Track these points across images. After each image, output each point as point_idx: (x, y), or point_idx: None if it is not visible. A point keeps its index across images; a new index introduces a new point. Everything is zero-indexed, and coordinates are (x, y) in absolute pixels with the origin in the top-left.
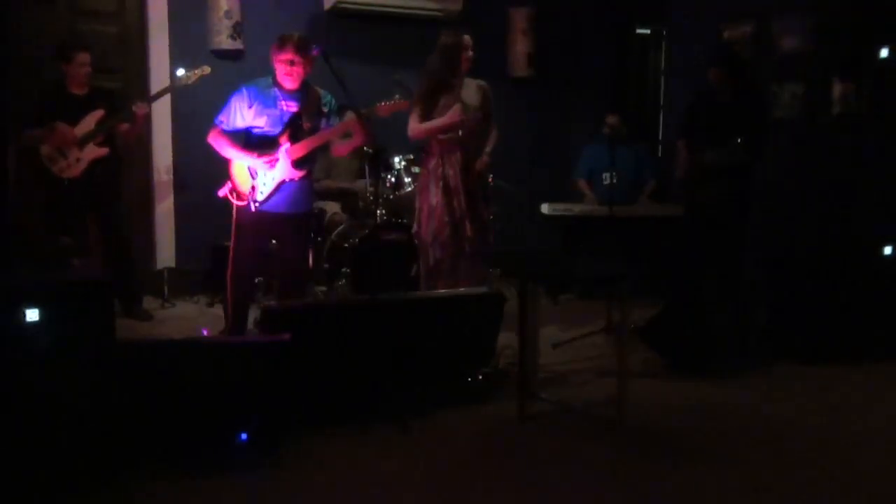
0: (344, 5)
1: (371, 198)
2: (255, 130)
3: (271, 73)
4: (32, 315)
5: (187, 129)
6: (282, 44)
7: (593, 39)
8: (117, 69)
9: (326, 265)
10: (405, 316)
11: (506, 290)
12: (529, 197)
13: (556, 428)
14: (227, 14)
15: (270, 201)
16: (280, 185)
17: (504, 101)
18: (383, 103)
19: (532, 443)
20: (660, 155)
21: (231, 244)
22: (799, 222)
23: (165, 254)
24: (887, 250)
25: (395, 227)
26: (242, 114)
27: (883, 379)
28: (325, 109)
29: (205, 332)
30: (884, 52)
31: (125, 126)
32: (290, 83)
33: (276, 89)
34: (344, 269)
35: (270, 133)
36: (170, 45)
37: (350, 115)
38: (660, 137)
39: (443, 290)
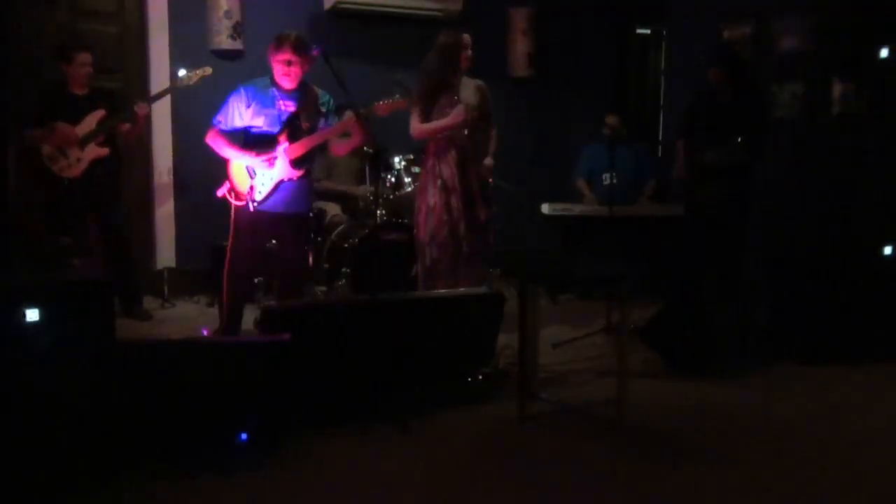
0: (344, 5)
1: (371, 198)
2: (254, 130)
3: (269, 72)
4: (32, 315)
5: (187, 130)
6: (279, 44)
7: (593, 39)
8: (117, 69)
9: (326, 265)
10: (405, 316)
11: (506, 290)
12: (529, 197)
13: (556, 428)
14: (227, 14)
15: (269, 201)
16: (278, 185)
17: (504, 101)
18: (382, 102)
19: (532, 443)
20: (660, 155)
21: (229, 244)
22: (799, 222)
23: (165, 254)
24: (887, 250)
25: (395, 227)
26: (240, 113)
27: (883, 379)
28: (324, 109)
29: (205, 332)
30: (884, 52)
31: (126, 126)
32: (287, 83)
33: (274, 89)
34: (344, 269)
35: (269, 133)
36: (170, 46)
37: (349, 115)
38: (660, 137)
39: (443, 290)
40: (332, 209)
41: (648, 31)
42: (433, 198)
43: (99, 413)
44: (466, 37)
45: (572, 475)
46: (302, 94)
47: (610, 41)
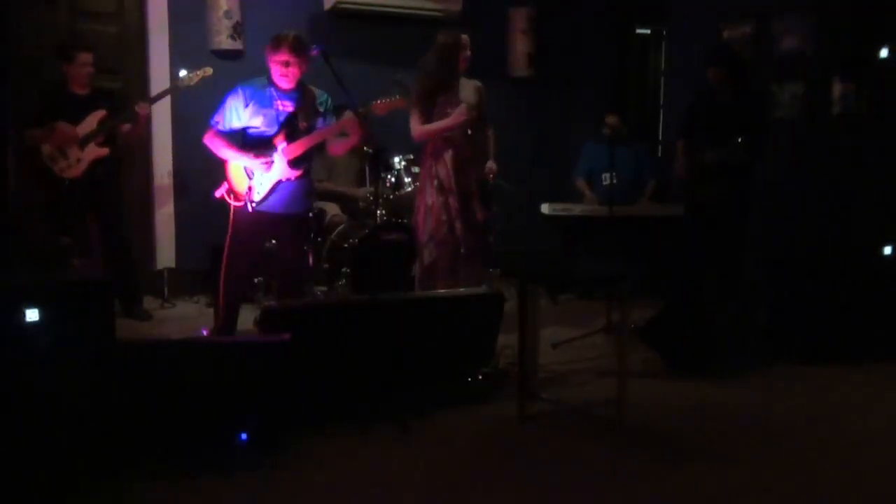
0: (344, 5)
1: (371, 198)
2: (252, 130)
3: (267, 73)
4: (32, 315)
5: (187, 130)
6: (277, 44)
7: (593, 39)
8: (117, 69)
9: (326, 265)
10: (405, 316)
11: (506, 290)
12: (529, 197)
13: (556, 428)
14: (227, 14)
15: (267, 201)
16: (277, 185)
17: (504, 101)
18: (380, 101)
19: (532, 443)
20: (660, 155)
21: (226, 243)
22: (799, 222)
23: (165, 254)
24: (887, 250)
25: (395, 227)
26: (238, 114)
27: (883, 379)
28: (321, 109)
29: (205, 332)
30: (884, 52)
31: (127, 126)
32: (285, 83)
33: (271, 89)
34: (344, 269)
35: (266, 133)
36: (170, 46)
37: (348, 115)
38: (660, 137)
39: (443, 290)
40: (332, 209)
41: (648, 31)
42: (431, 198)
43: (99, 413)
44: (465, 37)
45: (572, 475)
46: (300, 94)
47: (610, 41)
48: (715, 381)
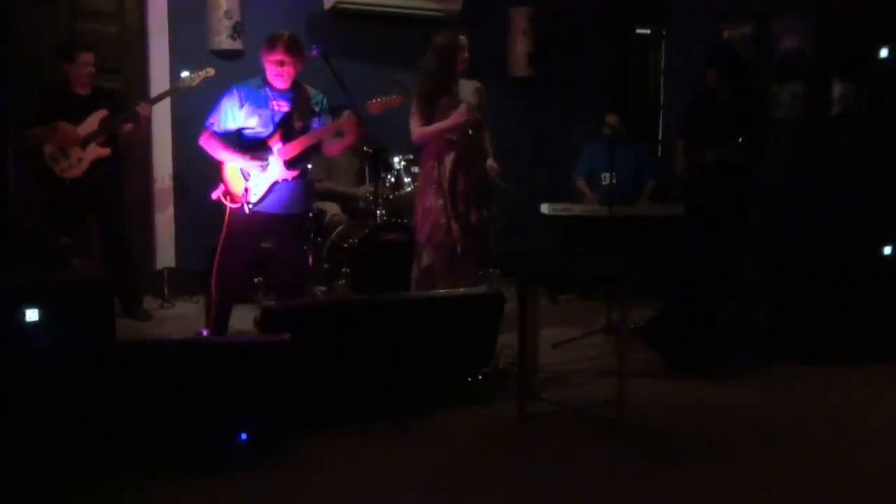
0: (344, 5)
1: (371, 198)
2: (247, 131)
3: (262, 73)
4: (32, 315)
5: (188, 131)
6: (272, 44)
7: (593, 39)
8: (117, 69)
9: (326, 265)
10: (405, 316)
11: (506, 290)
12: (529, 197)
13: (556, 428)
14: (227, 14)
15: (264, 202)
16: (273, 186)
17: (504, 101)
18: (375, 100)
19: (532, 443)
20: (660, 155)
21: (220, 244)
22: (799, 222)
23: (165, 254)
24: (887, 250)
25: (395, 227)
26: (234, 114)
27: (883, 379)
28: (317, 108)
29: (205, 332)
30: (884, 52)
31: (129, 126)
32: (280, 83)
33: (267, 89)
34: (344, 269)
35: (262, 134)
36: (170, 46)
37: (347, 114)
38: (660, 137)
39: (443, 290)
40: (332, 209)
41: (648, 31)
42: (430, 199)
43: (99, 413)
44: (463, 38)
45: (572, 475)
46: (295, 93)
47: (610, 41)
48: (715, 381)
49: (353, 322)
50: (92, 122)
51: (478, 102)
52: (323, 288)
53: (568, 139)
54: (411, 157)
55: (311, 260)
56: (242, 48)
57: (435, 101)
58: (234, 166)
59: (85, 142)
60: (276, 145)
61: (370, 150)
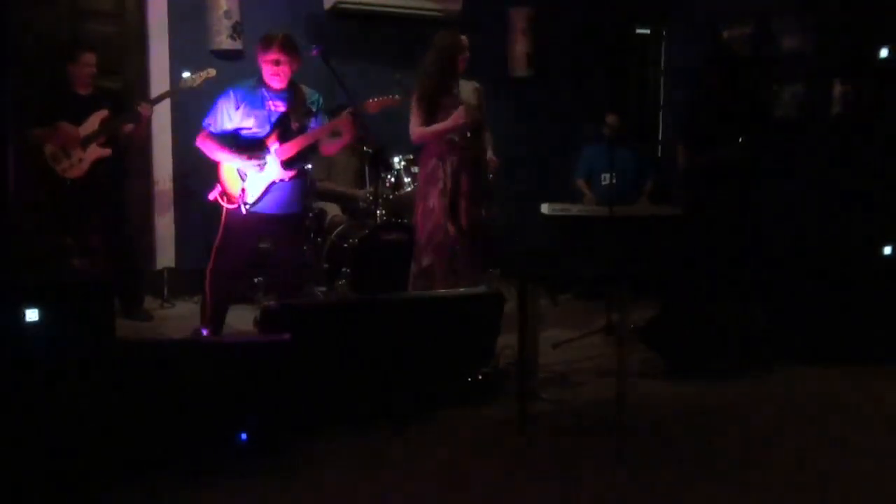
0: (344, 5)
1: (371, 198)
2: (244, 132)
3: (257, 73)
4: (32, 315)
5: (188, 131)
6: (267, 44)
7: (593, 39)
8: (117, 70)
9: (326, 265)
10: (405, 316)
11: (506, 290)
12: (529, 197)
13: (556, 428)
14: (227, 14)
15: (261, 203)
16: (270, 187)
17: (504, 101)
18: (372, 100)
19: (532, 443)
20: (660, 155)
21: (215, 244)
22: (799, 222)
23: (165, 254)
24: (887, 250)
25: (395, 227)
26: (230, 115)
27: (883, 379)
28: (313, 108)
29: (205, 332)
30: (884, 52)
31: (130, 127)
32: (276, 83)
33: (263, 89)
34: (344, 269)
35: (259, 134)
36: (169, 46)
37: (343, 114)
38: (660, 137)
39: (443, 290)
40: (332, 209)
41: (648, 31)
42: (433, 199)
43: (99, 413)
44: (464, 38)
45: (572, 475)
46: (291, 93)
47: (610, 41)
48: (715, 381)
49: (353, 322)
50: (93, 123)
51: (477, 102)
52: (323, 288)
53: (568, 139)
54: (411, 157)
55: (311, 260)
56: (242, 48)
57: (435, 101)
58: (230, 167)
59: (86, 142)
60: (273, 145)
61: (370, 150)
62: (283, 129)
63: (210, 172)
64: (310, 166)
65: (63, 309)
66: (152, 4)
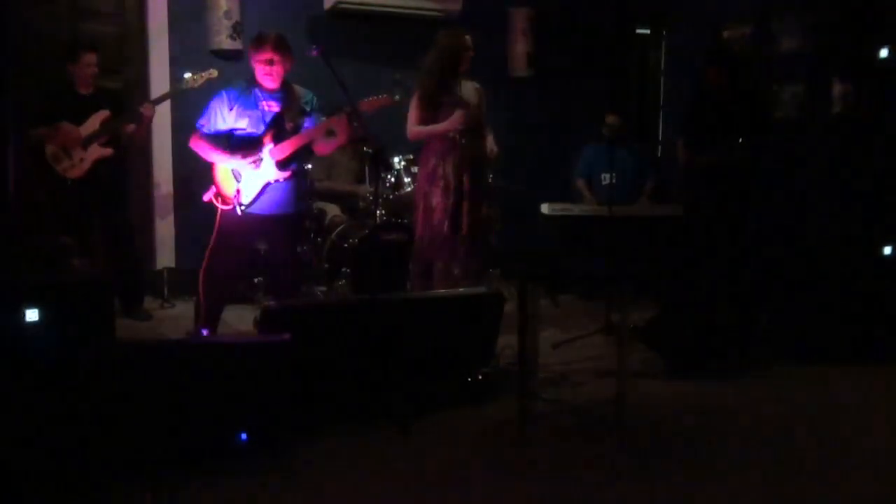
0: (344, 5)
1: (371, 198)
2: (238, 132)
3: (249, 74)
4: (32, 315)
5: (188, 131)
6: (260, 44)
7: (593, 39)
8: (117, 69)
9: (326, 265)
10: (405, 316)
11: (506, 290)
12: (529, 197)
13: (556, 428)
14: (227, 14)
15: (256, 204)
16: (266, 187)
17: (504, 101)
18: (367, 100)
19: (532, 443)
20: (660, 155)
21: (210, 245)
22: (799, 222)
23: (165, 254)
24: (887, 250)
25: (395, 227)
26: (223, 116)
27: (883, 379)
28: (307, 108)
29: (205, 332)
30: (884, 52)
31: (132, 127)
32: (270, 83)
33: (256, 90)
34: (344, 269)
35: (253, 134)
36: (170, 46)
37: (338, 113)
38: (660, 137)
39: (443, 290)
40: (332, 209)
41: (648, 31)
42: (436, 198)
43: (99, 413)
44: (468, 38)
45: (572, 475)
46: (285, 93)
47: (610, 41)
48: (715, 381)
49: (353, 322)
50: (94, 123)
51: (478, 102)
52: (323, 288)
53: (568, 139)
54: (411, 156)
55: (310, 260)
56: (242, 48)
57: (436, 100)
58: (225, 168)
59: (87, 142)
60: (268, 146)
61: (370, 150)
62: (278, 129)
63: (210, 172)
64: (309, 166)
65: (63, 309)
66: (152, 4)
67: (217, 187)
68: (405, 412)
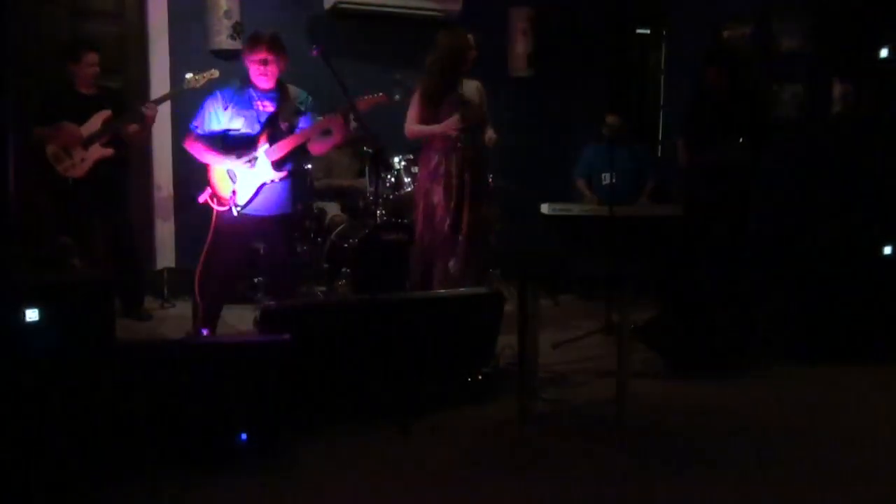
0: (344, 5)
1: (371, 198)
2: (233, 133)
3: (243, 74)
4: (32, 315)
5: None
6: (254, 43)
7: (593, 39)
8: (117, 69)
9: (326, 265)
10: (405, 316)
11: (506, 290)
12: (529, 197)
13: (557, 428)
14: (227, 14)
15: (252, 205)
16: (261, 188)
17: (504, 101)
18: (362, 98)
19: (532, 443)
20: (660, 155)
21: (206, 246)
22: (799, 222)
23: (165, 254)
24: (887, 250)
25: (395, 227)
26: (218, 117)
27: (883, 379)
28: (302, 108)
29: (205, 332)
30: (884, 52)
31: (134, 127)
32: (264, 82)
33: (250, 90)
34: (344, 269)
35: (248, 134)
36: (170, 46)
37: (333, 112)
38: (660, 137)
39: (443, 290)
40: (332, 209)
41: (648, 31)
42: (436, 196)
43: (99, 413)
44: (471, 37)
45: (572, 475)
46: (279, 93)
47: (610, 41)
48: (715, 381)
49: (353, 322)
50: (95, 122)
51: (480, 101)
52: (323, 288)
53: (568, 139)
54: (411, 156)
55: (307, 259)
56: (242, 48)
57: (438, 99)
58: (220, 169)
59: (88, 142)
60: (263, 146)
61: (370, 150)
62: (273, 129)
63: (205, 173)
64: (309, 166)
65: (63, 309)
66: (152, 4)
67: (212, 188)
68: (405, 412)
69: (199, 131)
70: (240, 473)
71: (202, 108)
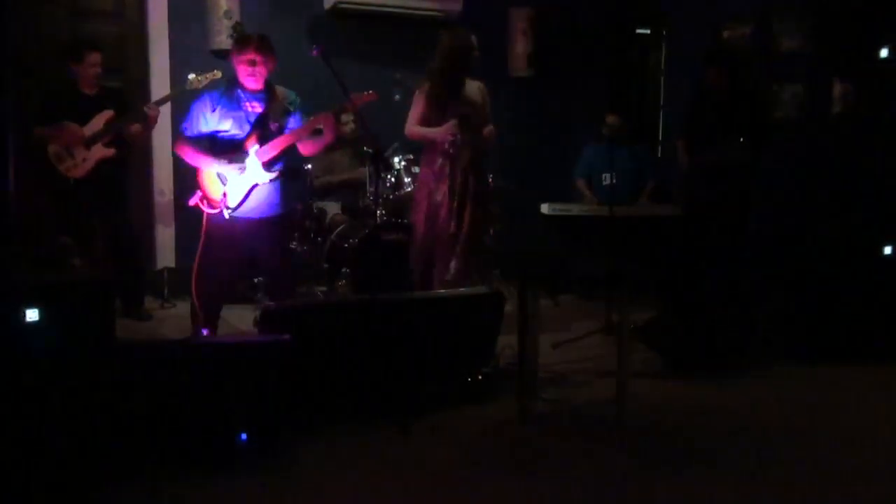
0: (344, 5)
1: (371, 197)
2: (222, 134)
3: (231, 75)
4: (32, 315)
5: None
6: (243, 44)
7: (593, 39)
8: (118, 69)
9: (326, 265)
10: (405, 316)
11: (506, 290)
12: (529, 197)
13: (557, 428)
14: (227, 14)
15: (243, 207)
16: (252, 190)
17: (504, 101)
18: (353, 94)
19: (532, 443)
20: (660, 155)
21: (198, 250)
22: (799, 222)
23: (166, 254)
24: (887, 250)
25: (395, 227)
26: (206, 119)
27: (883, 379)
28: (291, 108)
29: (205, 332)
30: (884, 52)
31: (137, 127)
32: (253, 83)
33: (239, 91)
34: (344, 269)
35: (237, 136)
36: (170, 46)
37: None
38: (660, 137)
39: (443, 290)
40: (332, 209)
41: (648, 31)
42: (440, 196)
43: (99, 413)
44: (474, 38)
45: (572, 475)
46: (268, 94)
47: (610, 41)
48: (715, 381)
49: (353, 322)
50: (97, 123)
51: (482, 102)
52: (323, 288)
53: (568, 139)
54: (411, 156)
55: (303, 259)
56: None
57: (440, 100)
58: (210, 171)
59: (90, 142)
60: (253, 147)
61: (370, 150)
62: (262, 130)
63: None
64: (309, 166)
65: (63, 309)
66: (152, 4)
67: (203, 191)
68: (405, 412)
69: (189, 133)
70: (240, 473)
71: (190, 110)
